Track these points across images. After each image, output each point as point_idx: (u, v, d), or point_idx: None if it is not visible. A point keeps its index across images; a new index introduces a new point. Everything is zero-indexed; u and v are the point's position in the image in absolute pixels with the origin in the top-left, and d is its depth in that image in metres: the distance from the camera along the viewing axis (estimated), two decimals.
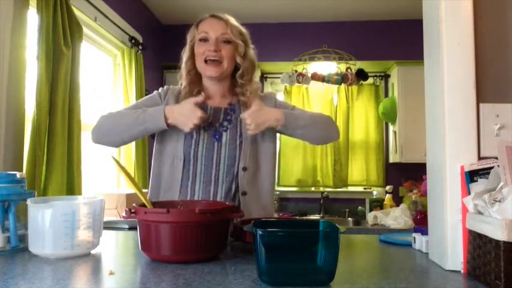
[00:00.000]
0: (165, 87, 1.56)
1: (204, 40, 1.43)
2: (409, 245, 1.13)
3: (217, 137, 1.44)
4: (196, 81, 1.51)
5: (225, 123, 1.47)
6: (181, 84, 1.53)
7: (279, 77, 4.00)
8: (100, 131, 1.42)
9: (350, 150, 4.12)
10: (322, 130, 1.51)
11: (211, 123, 1.46)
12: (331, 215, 3.95)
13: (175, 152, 1.44)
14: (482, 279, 0.80)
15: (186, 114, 1.35)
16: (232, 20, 1.47)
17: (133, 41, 3.18)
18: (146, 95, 3.25)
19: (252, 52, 1.52)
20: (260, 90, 1.56)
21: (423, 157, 1.06)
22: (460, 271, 0.88)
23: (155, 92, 1.55)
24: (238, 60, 1.45)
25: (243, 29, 1.50)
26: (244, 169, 1.43)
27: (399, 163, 3.78)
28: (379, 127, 4.12)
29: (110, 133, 1.42)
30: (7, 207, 1.06)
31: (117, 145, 1.52)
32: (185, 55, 1.51)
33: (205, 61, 1.43)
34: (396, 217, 3.15)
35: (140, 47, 3.28)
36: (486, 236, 0.78)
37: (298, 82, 3.87)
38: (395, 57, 3.84)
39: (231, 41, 1.43)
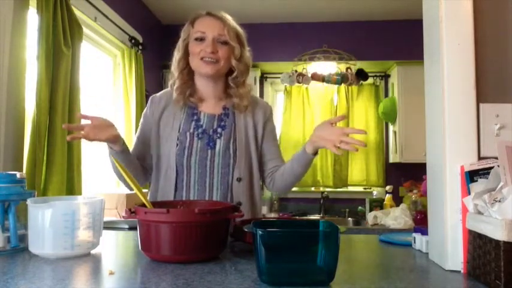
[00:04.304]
0: (149, 100, 1.53)
1: (200, 39, 1.39)
2: (409, 245, 1.13)
3: (211, 144, 1.42)
4: (188, 81, 1.47)
5: (219, 130, 1.45)
6: (171, 86, 1.49)
7: (279, 77, 4.00)
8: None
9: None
10: (292, 184, 1.52)
11: (205, 131, 1.44)
12: (331, 215, 3.95)
13: (168, 162, 1.42)
14: (482, 279, 0.80)
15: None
16: (230, 20, 1.43)
17: (133, 41, 3.18)
18: (146, 95, 3.27)
19: (247, 54, 1.49)
20: (252, 91, 1.54)
21: (423, 157, 1.06)
22: (460, 271, 0.88)
23: (143, 112, 1.54)
24: (234, 63, 1.43)
25: (240, 29, 1.47)
26: (239, 180, 1.42)
27: (399, 163, 3.78)
28: (379, 127, 4.12)
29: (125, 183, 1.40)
30: (7, 207, 1.06)
31: (142, 183, 1.48)
32: (178, 53, 1.46)
33: (202, 59, 1.39)
34: (396, 217, 3.15)
35: (140, 47, 3.28)
36: (486, 236, 0.78)
37: (298, 82, 3.88)
38: (395, 57, 3.84)
39: (228, 42, 1.40)
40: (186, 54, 1.45)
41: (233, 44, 1.41)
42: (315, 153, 1.38)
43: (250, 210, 1.45)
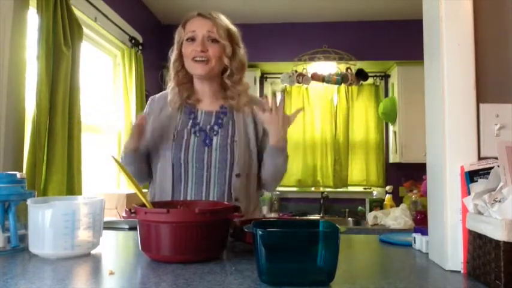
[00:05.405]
0: (149, 100, 1.56)
1: (191, 39, 1.41)
2: (409, 245, 1.13)
3: (207, 141, 1.43)
4: (185, 82, 1.49)
5: (216, 127, 1.45)
6: (168, 87, 1.51)
7: (279, 77, 4.01)
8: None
9: (350, 150, 4.12)
10: (280, 174, 1.50)
11: (202, 128, 1.45)
12: (331, 215, 3.95)
13: (165, 158, 1.43)
14: (482, 279, 0.80)
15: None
16: (220, 19, 1.44)
17: (133, 41, 3.18)
18: (146, 95, 3.27)
19: (242, 52, 1.49)
20: (249, 90, 1.54)
21: (423, 157, 1.06)
22: (460, 271, 0.88)
23: (144, 112, 1.56)
24: (226, 61, 1.43)
25: (232, 28, 1.47)
26: (238, 175, 1.42)
27: (399, 163, 3.78)
28: (379, 127, 4.12)
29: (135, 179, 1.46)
30: (7, 207, 1.06)
31: (148, 177, 1.52)
32: (173, 56, 1.49)
33: (193, 60, 1.41)
34: (396, 217, 3.15)
35: (140, 47, 3.28)
36: (486, 236, 0.78)
37: (298, 82, 3.88)
38: (395, 57, 3.84)
39: (217, 40, 1.40)
40: (180, 56, 1.47)
41: (223, 42, 1.41)
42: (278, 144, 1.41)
43: (246, 206, 1.44)
